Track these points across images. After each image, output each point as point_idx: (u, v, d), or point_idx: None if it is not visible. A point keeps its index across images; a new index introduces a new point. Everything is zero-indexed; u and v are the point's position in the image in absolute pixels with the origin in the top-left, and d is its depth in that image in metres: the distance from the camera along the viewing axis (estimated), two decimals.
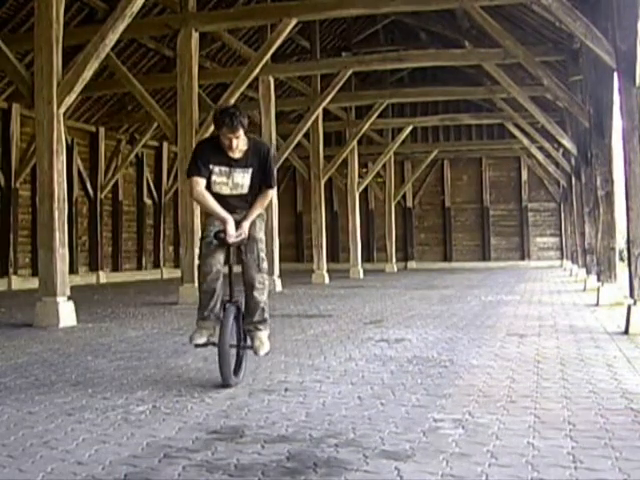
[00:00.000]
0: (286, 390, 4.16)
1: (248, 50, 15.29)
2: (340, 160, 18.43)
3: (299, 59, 19.23)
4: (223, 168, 4.31)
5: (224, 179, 4.33)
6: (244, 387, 4.26)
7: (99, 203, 19.13)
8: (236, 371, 4.36)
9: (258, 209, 4.41)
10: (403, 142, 22.86)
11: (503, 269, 23.73)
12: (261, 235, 4.47)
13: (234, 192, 4.37)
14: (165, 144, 21.75)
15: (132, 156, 20.02)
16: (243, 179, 4.36)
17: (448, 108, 23.55)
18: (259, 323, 4.44)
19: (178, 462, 2.82)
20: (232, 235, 4.24)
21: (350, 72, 15.21)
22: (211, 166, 4.30)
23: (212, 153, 4.31)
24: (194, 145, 4.85)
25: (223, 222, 4.26)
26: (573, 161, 15.44)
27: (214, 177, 4.32)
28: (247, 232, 4.32)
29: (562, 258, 25.30)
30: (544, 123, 13.65)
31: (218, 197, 4.33)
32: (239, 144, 4.26)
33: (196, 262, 4.56)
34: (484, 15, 11.27)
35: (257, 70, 11.89)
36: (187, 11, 10.98)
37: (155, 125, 18.20)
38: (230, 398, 3.97)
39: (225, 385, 4.22)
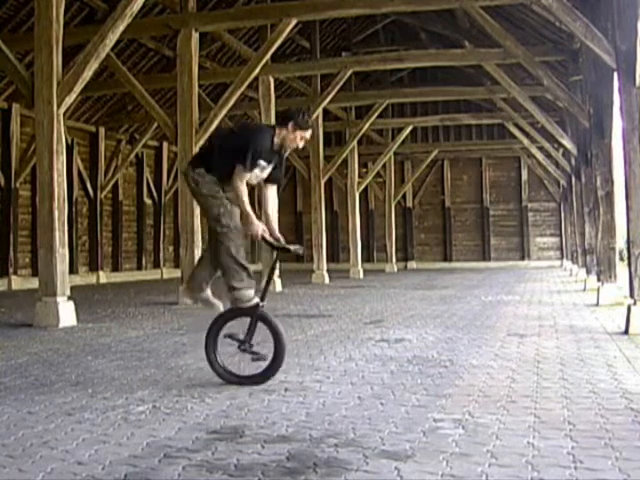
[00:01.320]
0: (286, 390, 4.16)
1: (248, 50, 15.30)
2: (340, 160, 18.43)
3: (299, 59, 19.23)
4: (264, 163, 4.39)
5: (258, 172, 4.40)
6: (244, 387, 4.26)
7: (99, 203, 19.12)
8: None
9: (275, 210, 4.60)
10: (403, 142, 22.85)
11: (503, 269, 23.72)
12: None
13: (252, 182, 4.47)
14: (165, 144, 21.75)
15: (132, 156, 20.02)
16: (266, 173, 4.48)
17: (448, 108, 23.54)
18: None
19: (178, 462, 2.82)
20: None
21: (350, 72, 15.20)
22: (259, 161, 4.36)
23: (266, 148, 4.39)
24: (256, 131, 4.64)
25: (257, 227, 4.30)
26: (573, 161, 15.45)
27: (256, 170, 4.37)
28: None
29: (562, 258, 25.30)
30: (544, 123, 13.65)
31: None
32: None
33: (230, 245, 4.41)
34: (484, 15, 11.26)
35: (257, 70, 11.88)
36: (187, 11, 10.98)
37: (155, 125, 18.19)
38: (230, 398, 3.97)
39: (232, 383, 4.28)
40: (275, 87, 14.47)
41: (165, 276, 21.14)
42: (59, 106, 7.89)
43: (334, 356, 5.41)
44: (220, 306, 4.59)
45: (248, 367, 4.36)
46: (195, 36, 10.85)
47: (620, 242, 13.63)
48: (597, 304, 9.35)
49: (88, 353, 5.78)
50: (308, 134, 4.46)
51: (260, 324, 4.36)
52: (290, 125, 4.37)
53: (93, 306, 10.56)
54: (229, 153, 4.33)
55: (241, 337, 4.34)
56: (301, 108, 4.81)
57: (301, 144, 4.46)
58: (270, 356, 4.30)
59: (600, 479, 2.55)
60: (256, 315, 4.34)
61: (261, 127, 4.51)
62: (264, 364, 4.31)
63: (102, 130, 19.18)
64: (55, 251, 7.78)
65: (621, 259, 14.67)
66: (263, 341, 4.48)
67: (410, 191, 27.12)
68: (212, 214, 4.39)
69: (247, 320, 4.38)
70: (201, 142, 10.78)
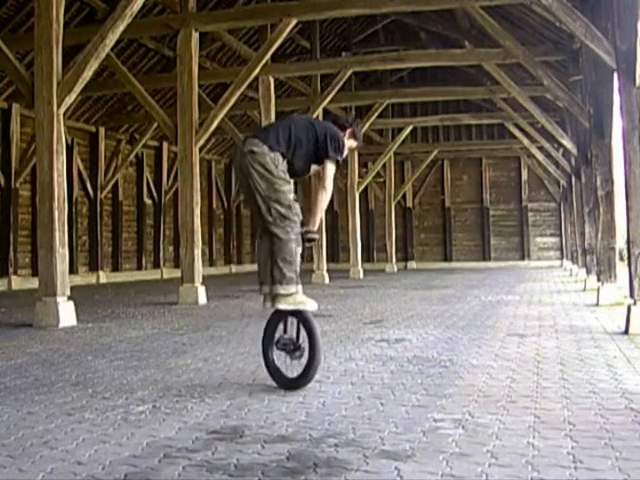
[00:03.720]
0: (286, 390, 4.16)
1: (248, 50, 15.30)
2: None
3: (299, 59, 19.24)
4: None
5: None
6: (244, 387, 4.26)
7: (99, 203, 19.13)
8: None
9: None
10: (403, 142, 22.86)
11: (503, 269, 23.72)
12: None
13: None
14: (165, 144, 21.75)
15: (132, 156, 20.03)
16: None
17: (448, 108, 23.56)
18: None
19: (178, 462, 2.82)
20: None
21: (350, 72, 15.20)
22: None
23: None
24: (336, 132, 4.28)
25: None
26: (573, 161, 15.45)
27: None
28: None
29: (562, 258, 25.31)
30: (544, 123, 13.65)
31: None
32: None
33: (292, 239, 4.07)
34: (484, 15, 11.27)
35: (257, 70, 11.89)
36: (187, 11, 10.99)
37: (155, 125, 18.21)
38: (230, 398, 3.97)
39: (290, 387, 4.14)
40: (275, 87, 14.47)
41: (165, 276, 21.14)
42: (59, 106, 7.89)
43: (334, 356, 5.41)
44: (311, 302, 4.16)
45: (291, 369, 4.21)
46: (195, 36, 10.86)
47: (620, 242, 13.64)
48: (597, 304, 9.35)
49: (88, 353, 5.78)
50: (355, 145, 4.44)
51: (295, 322, 4.21)
52: (348, 132, 4.35)
53: (93, 306, 10.55)
54: (310, 147, 4.14)
55: (291, 340, 4.18)
56: (357, 119, 4.74)
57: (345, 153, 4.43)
58: (304, 361, 4.14)
59: (600, 479, 2.55)
60: (300, 316, 4.15)
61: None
62: (300, 369, 4.15)
63: (102, 130, 19.18)
64: (55, 251, 7.78)
65: (621, 259, 14.67)
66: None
67: (410, 191, 27.14)
68: (285, 199, 4.01)
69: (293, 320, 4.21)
70: (201, 142, 10.80)
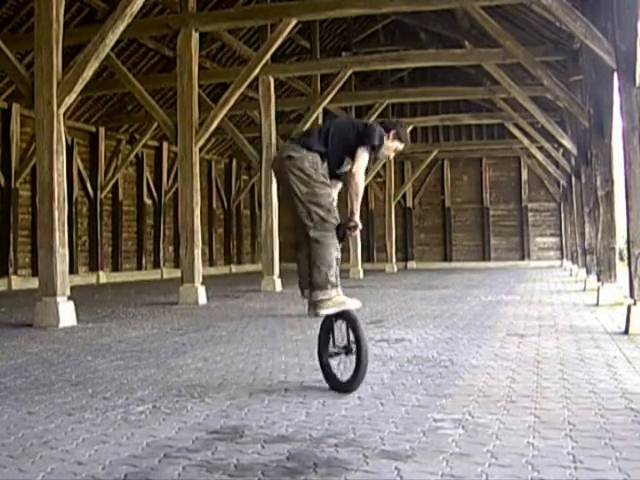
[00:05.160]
0: (286, 390, 4.16)
1: (248, 50, 15.31)
2: None
3: (299, 59, 19.24)
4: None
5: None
6: (244, 387, 4.26)
7: (99, 203, 19.13)
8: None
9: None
10: None
11: (503, 269, 23.72)
12: None
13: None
14: (165, 144, 21.75)
15: (132, 156, 20.03)
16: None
17: (448, 108, 23.55)
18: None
19: (178, 462, 2.82)
20: None
21: (350, 72, 15.20)
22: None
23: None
24: (378, 127, 4.23)
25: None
26: (573, 161, 15.45)
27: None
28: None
29: (562, 258, 25.30)
30: (544, 123, 13.65)
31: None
32: None
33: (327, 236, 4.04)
34: (484, 15, 11.27)
35: (257, 70, 11.89)
36: (187, 11, 10.99)
37: (155, 125, 18.22)
38: (230, 398, 3.97)
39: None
40: (275, 87, 14.47)
41: (165, 276, 21.14)
42: (59, 106, 7.89)
43: None
44: (352, 301, 4.25)
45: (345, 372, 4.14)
46: (195, 36, 10.86)
47: (620, 242, 13.64)
48: (597, 304, 9.35)
49: (88, 353, 5.78)
50: (402, 147, 4.40)
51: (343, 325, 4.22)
52: (392, 134, 4.29)
53: (93, 306, 10.55)
54: (347, 139, 4.09)
55: (342, 343, 4.18)
56: (402, 121, 4.69)
57: (392, 155, 4.41)
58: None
59: (600, 479, 2.55)
60: (346, 317, 4.20)
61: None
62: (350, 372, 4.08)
63: (102, 130, 19.18)
64: (55, 251, 7.78)
65: (621, 259, 14.68)
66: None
67: (410, 191, 27.14)
68: (325, 203, 3.99)
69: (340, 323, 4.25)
70: (201, 142, 10.80)
